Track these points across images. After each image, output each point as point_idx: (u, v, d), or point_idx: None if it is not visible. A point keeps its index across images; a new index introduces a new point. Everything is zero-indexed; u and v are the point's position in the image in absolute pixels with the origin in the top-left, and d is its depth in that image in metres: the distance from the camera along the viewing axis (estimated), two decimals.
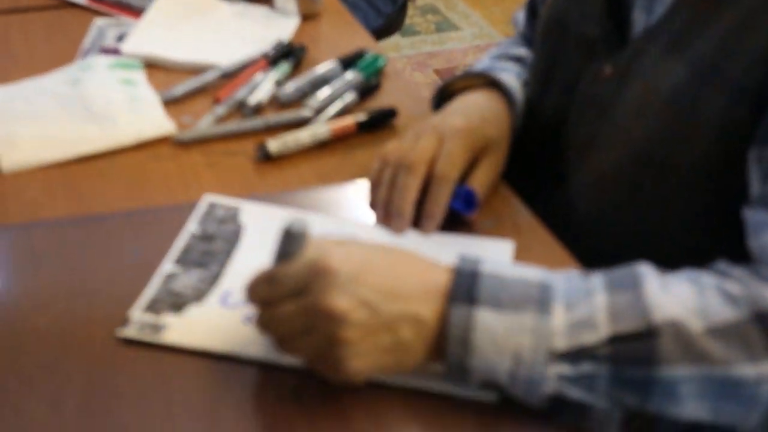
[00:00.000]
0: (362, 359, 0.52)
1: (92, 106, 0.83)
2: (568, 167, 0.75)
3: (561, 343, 0.51)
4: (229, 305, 0.61)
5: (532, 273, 0.55)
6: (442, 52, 2.76)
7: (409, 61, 2.75)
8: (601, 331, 0.51)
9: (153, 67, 0.93)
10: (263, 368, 0.57)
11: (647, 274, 0.54)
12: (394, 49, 2.66)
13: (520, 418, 0.54)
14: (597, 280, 0.54)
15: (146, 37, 0.97)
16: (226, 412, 0.54)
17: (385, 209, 0.70)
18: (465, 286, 0.53)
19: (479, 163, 0.72)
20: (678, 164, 0.64)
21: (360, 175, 0.77)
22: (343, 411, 0.54)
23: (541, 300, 0.52)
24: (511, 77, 0.81)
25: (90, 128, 0.81)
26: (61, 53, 0.95)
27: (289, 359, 0.57)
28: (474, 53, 2.76)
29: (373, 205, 0.72)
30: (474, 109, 0.74)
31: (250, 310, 0.61)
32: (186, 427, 0.53)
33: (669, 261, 0.57)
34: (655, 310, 0.51)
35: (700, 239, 0.66)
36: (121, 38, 0.98)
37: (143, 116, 0.83)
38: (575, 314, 0.52)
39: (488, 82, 0.79)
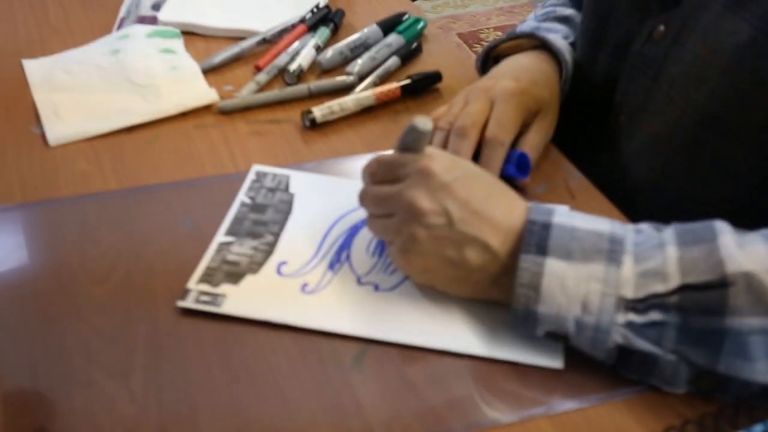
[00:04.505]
0: (424, 259, 0.56)
1: (134, 76, 0.82)
2: (619, 130, 0.74)
3: (630, 291, 0.51)
4: (285, 274, 0.61)
5: (603, 224, 0.54)
6: (465, 15, 2.72)
7: (432, 25, 2.72)
8: (671, 282, 0.51)
9: (190, 35, 0.92)
10: (323, 337, 0.56)
11: (723, 229, 0.53)
12: (418, 14, 2.63)
13: (583, 384, 0.54)
14: (669, 232, 0.54)
15: (183, 4, 0.96)
16: (288, 381, 0.54)
17: None
18: (536, 236, 0.53)
19: (531, 127, 0.71)
20: (742, 124, 0.62)
21: None
22: (405, 379, 0.54)
23: (611, 251, 0.53)
24: (559, 38, 0.79)
25: (133, 99, 0.80)
26: (98, 23, 0.94)
27: (348, 328, 0.57)
28: (498, 16, 2.72)
29: None
30: (524, 70, 0.73)
31: (306, 279, 0.60)
32: (249, 396, 0.53)
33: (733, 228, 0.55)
34: (729, 263, 0.50)
35: (763, 201, 0.65)
36: (156, 7, 0.96)
37: (185, 85, 0.82)
38: (646, 265, 0.52)
39: (536, 43, 0.78)
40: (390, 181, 0.58)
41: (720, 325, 0.50)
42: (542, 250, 0.53)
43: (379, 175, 0.59)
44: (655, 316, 0.51)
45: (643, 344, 0.51)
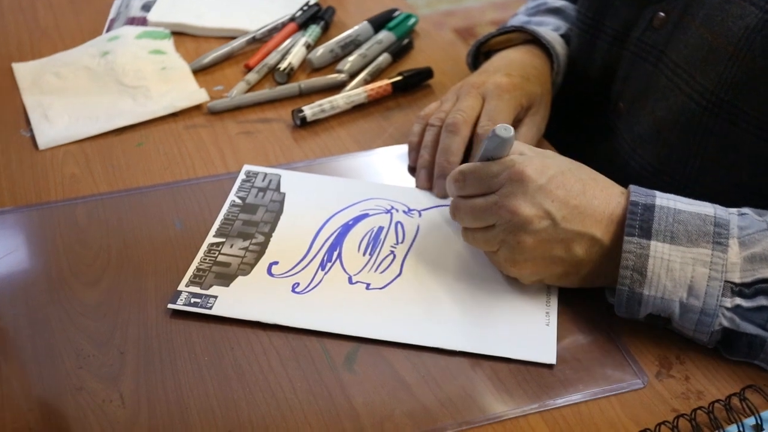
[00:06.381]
0: (533, 264, 0.56)
1: (123, 78, 0.82)
2: (619, 118, 0.73)
3: (737, 276, 0.52)
4: (276, 275, 0.61)
5: (706, 207, 0.54)
6: (459, 10, 2.72)
7: (427, 20, 2.71)
8: None
9: (180, 35, 0.92)
10: (315, 337, 0.56)
11: None
12: (410, 10, 2.62)
13: (573, 381, 0.53)
14: None
15: (172, 5, 0.96)
16: (279, 382, 0.53)
17: (427, 172, 0.69)
18: (640, 218, 0.53)
19: (523, 122, 0.71)
20: (750, 109, 0.61)
21: (398, 138, 0.76)
22: (397, 377, 0.54)
23: (717, 234, 0.53)
24: (550, 31, 0.79)
25: (123, 100, 0.80)
26: (88, 25, 0.94)
27: (339, 327, 0.56)
28: (492, 10, 2.72)
29: (415, 168, 0.70)
30: (516, 66, 0.72)
31: (297, 279, 0.60)
32: (240, 398, 0.52)
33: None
34: None
35: None
36: (145, 7, 0.96)
37: (175, 86, 0.82)
38: (752, 250, 0.52)
39: (527, 37, 0.77)
40: (483, 192, 0.57)
41: None
42: (646, 232, 0.53)
43: (469, 188, 0.58)
44: (763, 301, 0.51)
45: (750, 328, 0.52)
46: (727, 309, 0.52)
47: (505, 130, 0.55)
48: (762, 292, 0.51)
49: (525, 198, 0.55)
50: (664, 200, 0.54)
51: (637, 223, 0.53)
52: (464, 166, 0.59)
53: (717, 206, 0.55)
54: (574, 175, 0.56)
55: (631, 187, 0.56)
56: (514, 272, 0.57)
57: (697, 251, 0.52)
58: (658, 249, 0.52)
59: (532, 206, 0.54)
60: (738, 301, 0.52)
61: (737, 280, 0.52)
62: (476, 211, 0.57)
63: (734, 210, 0.55)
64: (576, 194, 0.55)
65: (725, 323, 0.52)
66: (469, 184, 0.58)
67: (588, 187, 0.56)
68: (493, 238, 0.57)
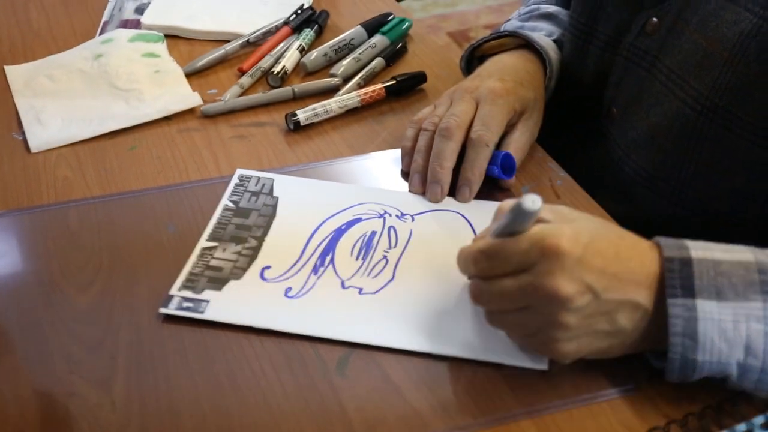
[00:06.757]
0: (576, 342, 0.51)
1: (116, 81, 0.82)
2: (612, 123, 0.73)
3: None
4: (269, 279, 0.61)
5: (745, 254, 0.51)
6: (454, 14, 2.72)
7: (421, 24, 2.72)
8: None
9: (174, 38, 0.92)
10: (307, 341, 0.56)
11: None
12: (404, 14, 2.63)
13: (566, 386, 0.53)
14: None
15: (166, 8, 0.95)
16: (272, 387, 0.53)
17: (421, 177, 0.69)
18: (679, 275, 0.50)
19: (516, 127, 0.71)
20: (744, 114, 0.61)
21: (391, 142, 0.76)
22: (390, 382, 0.54)
23: (764, 283, 0.49)
24: (543, 36, 0.79)
25: (116, 103, 0.80)
26: (81, 28, 0.93)
27: (332, 332, 0.56)
28: (487, 14, 2.72)
29: (408, 172, 0.70)
30: (509, 70, 0.73)
31: (289, 283, 0.60)
32: (233, 403, 0.52)
33: (733, 221, 0.55)
34: None
35: (763, 192, 0.63)
36: (139, 10, 0.96)
37: (168, 90, 0.82)
38: None
39: (521, 42, 0.77)
40: (510, 272, 0.51)
41: None
42: (689, 290, 0.49)
43: (492, 269, 0.52)
44: None
45: None
46: None
47: (533, 202, 0.48)
48: None
49: (563, 274, 0.49)
50: (700, 251, 0.50)
51: (677, 282, 0.49)
52: (483, 244, 0.52)
53: (755, 249, 0.51)
54: (605, 238, 0.51)
55: (660, 240, 0.52)
56: (556, 354, 0.52)
57: (748, 306, 0.49)
58: (706, 309, 0.49)
59: (572, 282, 0.49)
60: None
61: None
62: (506, 294, 0.51)
63: None
64: (611, 260, 0.50)
65: None
66: (494, 264, 0.51)
67: (620, 249, 0.51)
68: (531, 321, 0.51)
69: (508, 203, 0.51)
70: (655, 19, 0.68)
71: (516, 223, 0.50)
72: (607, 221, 0.54)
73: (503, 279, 0.51)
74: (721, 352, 0.49)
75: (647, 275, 0.50)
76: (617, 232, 0.53)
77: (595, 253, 0.50)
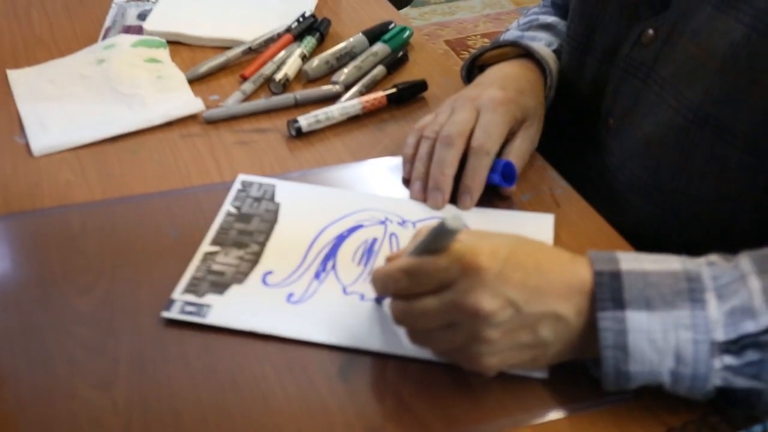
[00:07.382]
0: (500, 356, 0.52)
1: (119, 86, 0.82)
2: (609, 133, 0.74)
3: (721, 333, 0.49)
4: (271, 284, 0.61)
5: (673, 262, 0.51)
6: (452, 22, 2.73)
7: (419, 33, 2.72)
8: (761, 319, 0.49)
9: (176, 44, 0.92)
10: (309, 347, 0.56)
11: None
12: (403, 22, 2.64)
13: (567, 394, 0.54)
14: (745, 262, 0.51)
15: (168, 14, 0.96)
16: (274, 392, 0.53)
17: (422, 184, 0.69)
18: (609, 288, 0.50)
19: (517, 135, 0.72)
20: (736, 123, 0.62)
21: (392, 149, 0.77)
22: (391, 388, 0.54)
23: (691, 290, 0.50)
24: (543, 46, 0.80)
25: (118, 109, 0.80)
26: (83, 33, 0.94)
27: (334, 338, 0.57)
28: (485, 23, 2.73)
29: (409, 180, 0.71)
30: (510, 80, 0.73)
31: (291, 289, 0.60)
32: (234, 408, 0.52)
33: (725, 229, 0.55)
34: None
35: (756, 200, 0.64)
36: (141, 16, 0.96)
37: (171, 95, 0.82)
38: (731, 302, 0.50)
39: (521, 51, 0.78)
40: (431, 291, 0.51)
41: None
42: (619, 303, 0.50)
43: (414, 287, 0.52)
44: (752, 356, 0.49)
45: (743, 382, 0.50)
46: (719, 369, 0.50)
47: (454, 220, 0.49)
48: (749, 347, 0.49)
49: (485, 290, 0.50)
50: (629, 263, 0.51)
51: (607, 295, 0.50)
52: (403, 263, 0.52)
53: (684, 258, 0.52)
54: (524, 251, 0.52)
55: (591, 254, 0.52)
56: (480, 368, 0.52)
57: (676, 314, 0.49)
58: (635, 320, 0.49)
59: (494, 298, 0.50)
60: (727, 360, 0.49)
61: (722, 338, 0.49)
62: (429, 313, 0.51)
63: (702, 260, 0.52)
64: (531, 273, 0.51)
65: (718, 383, 0.50)
66: (414, 283, 0.52)
67: (540, 262, 0.52)
68: (455, 338, 0.51)
69: (427, 225, 0.52)
70: (651, 31, 0.69)
71: (437, 241, 0.51)
72: (524, 236, 0.55)
73: (425, 297, 0.51)
74: (653, 361, 0.50)
75: (571, 287, 0.51)
76: (535, 245, 0.54)
77: (515, 266, 0.51)
